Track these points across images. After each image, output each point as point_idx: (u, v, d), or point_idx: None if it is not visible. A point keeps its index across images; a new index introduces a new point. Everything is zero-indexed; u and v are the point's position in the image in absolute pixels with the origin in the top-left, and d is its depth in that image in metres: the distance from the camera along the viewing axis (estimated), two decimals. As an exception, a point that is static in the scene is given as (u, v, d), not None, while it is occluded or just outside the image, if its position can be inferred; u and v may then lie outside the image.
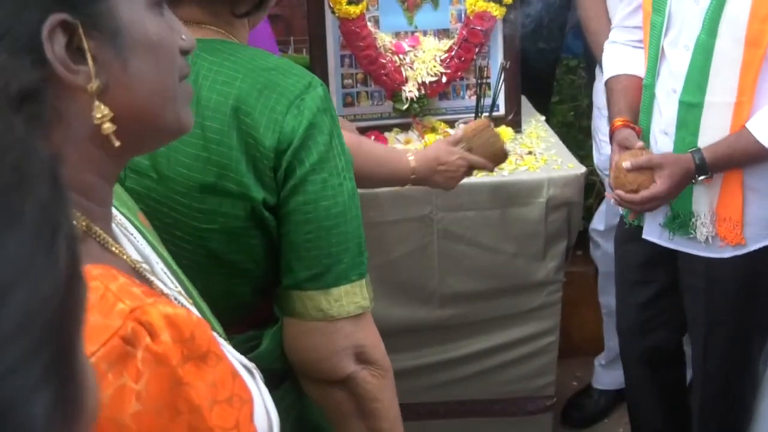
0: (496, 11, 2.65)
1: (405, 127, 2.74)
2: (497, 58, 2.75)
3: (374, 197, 2.44)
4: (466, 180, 2.48)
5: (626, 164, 2.14)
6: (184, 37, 0.96)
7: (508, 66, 2.65)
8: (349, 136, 1.88)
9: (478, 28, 2.66)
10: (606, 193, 2.32)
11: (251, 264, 1.42)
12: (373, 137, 2.65)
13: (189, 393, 0.74)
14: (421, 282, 2.57)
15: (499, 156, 2.20)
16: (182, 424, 0.74)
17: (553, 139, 2.75)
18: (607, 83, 2.42)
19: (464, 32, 2.68)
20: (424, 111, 2.72)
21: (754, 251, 2.22)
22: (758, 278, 2.26)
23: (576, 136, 3.68)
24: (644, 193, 2.14)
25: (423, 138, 2.68)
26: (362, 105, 2.72)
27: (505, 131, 2.65)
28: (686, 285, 2.37)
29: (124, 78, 0.86)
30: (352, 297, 1.38)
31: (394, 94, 2.67)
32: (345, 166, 1.37)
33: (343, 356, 1.39)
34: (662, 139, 2.24)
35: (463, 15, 2.70)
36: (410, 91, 2.66)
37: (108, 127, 0.85)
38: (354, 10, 2.57)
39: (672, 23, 2.18)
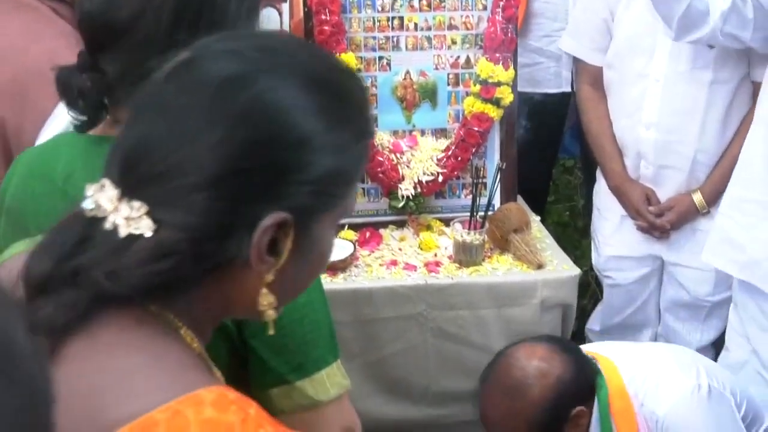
0: (494, 113, 2.70)
1: (400, 225, 2.76)
2: (494, 158, 2.79)
3: (368, 295, 2.45)
4: (459, 279, 2.51)
5: None
6: None
7: (504, 167, 2.69)
8: None
9: (476, 128, 2.70)
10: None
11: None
12: (368, 234, 2.67)
13: None
14: (414, 380, 2.56)
15: None
16: None
17: (548, 239, 2.76)
18: None
19: (461, 132, 2.72)
20: (419, 209, 2.75)
21: None
22: None
23: (571, 236, 3.70)
24: None
25: (418, 236, 2.70)
26: (358, 202, 2.74)
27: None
28: None
29: (289, 276, 0.92)
30: (333, 378, 1.40)
31: (391, 192, 2.70)
32: None
33: None
34: None
35: (460, 115, 2.75)
36: (406, 189, 2.69)
37: (271, 314, 0.92)
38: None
39: None
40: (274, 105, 0.88)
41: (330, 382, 1.39)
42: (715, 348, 2.80)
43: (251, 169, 0.86)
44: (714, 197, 2.69)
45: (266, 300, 0.90)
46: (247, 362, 1.39)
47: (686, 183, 2.75)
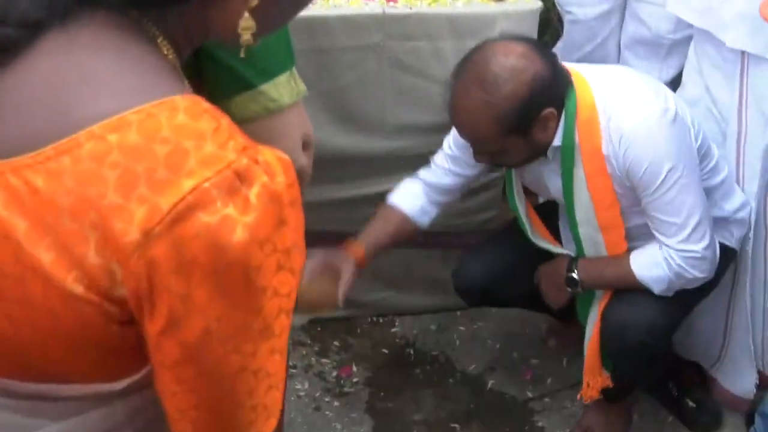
0: None
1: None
2: None
3: (324, 22, 2.40)
4: (418, 9, 2.45)
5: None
6: None
7: None
8: None
9: None
10: None
11: None
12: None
13: (286, 233, 0.80)
14: (370, 111, 2.56)
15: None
16: (274, 260, 0.79)
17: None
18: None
19: None
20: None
21: None
22: None
23: None
24: None
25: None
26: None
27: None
28: None
29: (273, 7, 0.91)
30: (293, 83, 1.45)
31: None
32: None
33: (297, 147, 1.46)
34: None
35: None
36: None
37: (248, 39, 0.90)
38: None
39: None
40: None
41: (290, 86, 1.44)
42: (673, 87, 2.81)
43: None
44: None
45: (247, 24, 0.89)
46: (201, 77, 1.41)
47: None
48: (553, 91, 2.07)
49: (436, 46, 2.49)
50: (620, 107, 2.09)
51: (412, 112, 2.57)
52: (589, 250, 2.27)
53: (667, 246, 2.14)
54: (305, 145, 1.49)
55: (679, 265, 2.14)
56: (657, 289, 2.19)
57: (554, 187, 2.26)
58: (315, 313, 2.38)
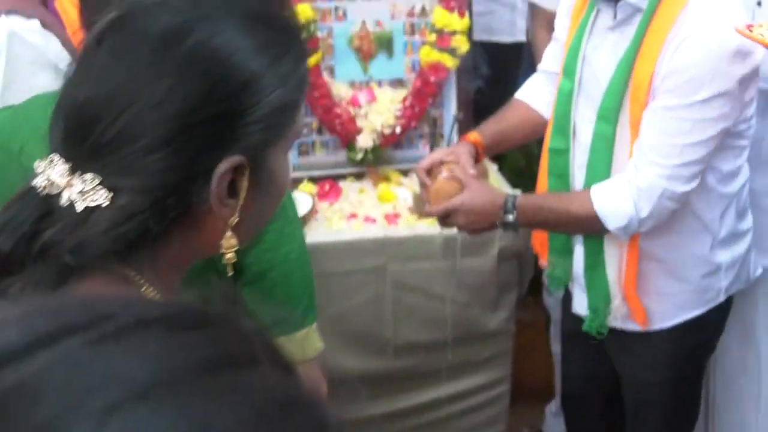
0: (450, 62, 2.69)
1: (360, 176, 2.75)
2: (450, 108, 2.78)
3: (328, 248, 2.44)
4: (418, 231, 2.51)
5: (444, 174, 2.11)
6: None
7: (461, 117, 2.68)
8: None
9: (432, 79, 2.68)
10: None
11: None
12: (327, 186, 2.66)
13: None
14: (375, 332, 2.56)
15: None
16: None
17: (506, 188, 2.77)
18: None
19: (418, 83, 2.70)
20: (378, 160, 2.74)
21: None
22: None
23: (526, 183, 3.70)
24: (444, 205, 2.07)
25: (377, 186, 2.69)
26: (317, 154, 2.74)
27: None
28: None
29: (252, 213, 0.92)
30: (310, 341, 1.40)
31: (349, 144, 2.69)
32: (294, 215, 1.40)
33: None
34: None
35: (417, 65, 2.73)
36: (365, 141, 2.67)
37: (231, 257, 0.92)
38: (309, 60, 2.58)
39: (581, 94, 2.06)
40: (213, 53, 0.87)
41: (307, 343, 1.40)
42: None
43: (200, 122, 0.86)
44: None
45: (229, 243, 0.91)
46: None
47: None
48: None
49: (437, 266, 2.52)
50: (704, 14, 1.81)
51: (416, 331, 2.58)
52: (596, 152, 1.99)
53: (657, 165, 1.86)
54: None
55: (653, 193, 1.87)
56: (612, 225, 1.92)
57: (601, 65, 1.98)
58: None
